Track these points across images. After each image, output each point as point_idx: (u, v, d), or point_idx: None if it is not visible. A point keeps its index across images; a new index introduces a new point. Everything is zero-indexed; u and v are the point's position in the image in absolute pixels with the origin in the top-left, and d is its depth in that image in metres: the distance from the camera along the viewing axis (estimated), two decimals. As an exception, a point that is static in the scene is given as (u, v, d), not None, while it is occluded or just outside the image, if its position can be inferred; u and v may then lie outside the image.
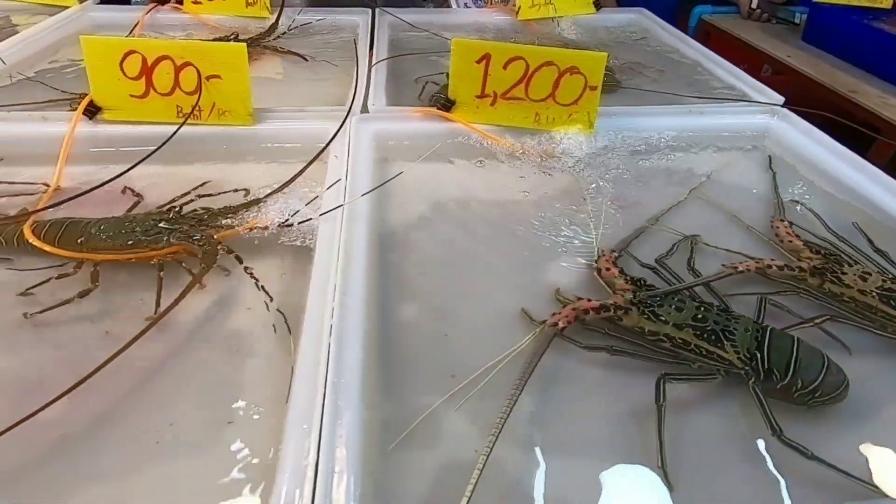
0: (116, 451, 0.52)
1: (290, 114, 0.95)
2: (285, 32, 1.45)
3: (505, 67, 0.91)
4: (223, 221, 0.76)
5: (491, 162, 0.94)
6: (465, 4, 1.63)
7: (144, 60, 0.87)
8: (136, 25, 1.42)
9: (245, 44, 0.88)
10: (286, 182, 0.79)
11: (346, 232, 0.71)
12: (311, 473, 0.45)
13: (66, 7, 1.51)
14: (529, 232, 0.80)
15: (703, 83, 1.26)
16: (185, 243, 0.70)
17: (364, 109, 0.99)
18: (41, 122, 0.90)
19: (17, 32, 1.44)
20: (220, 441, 0.52)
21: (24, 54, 1.22)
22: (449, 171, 0.93)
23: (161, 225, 0.72)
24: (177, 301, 0.61)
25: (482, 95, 0.94)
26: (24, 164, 0.88)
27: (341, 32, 1.53)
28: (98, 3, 1.54)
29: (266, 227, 0.75)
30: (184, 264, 0.70)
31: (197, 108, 0.90)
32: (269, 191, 0.81)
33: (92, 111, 0.90)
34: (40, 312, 0.63)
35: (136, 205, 0.81)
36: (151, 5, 1.48)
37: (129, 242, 0.69)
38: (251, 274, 0.70)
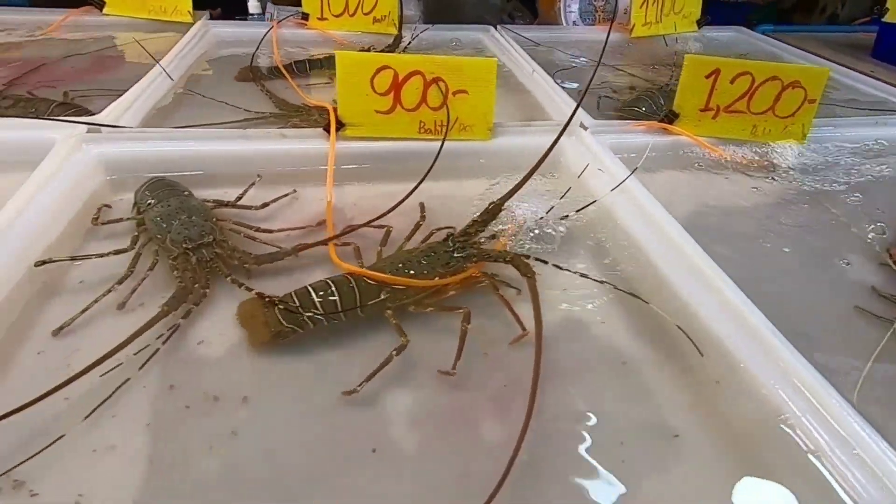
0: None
1: (519, 128, 0.95)
2: (406, 48, 1.44)
3: (732, 82, 0.94)
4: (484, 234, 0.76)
5: (719, 172, 0.97)
6: (574, 22, 1.67)
7: (396, 76, 0.86)
8: (261, 41, 1.38)
9: (495, 59, 0.87)
10: (514, 189, 0.76)
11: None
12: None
13: (183, 23, 1.47)
14: (801, 236, 0.84)
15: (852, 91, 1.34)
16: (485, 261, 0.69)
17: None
18: (280, 139, 0.87)
19: (114, 47, 1.40)
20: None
21: (178, 72, 1.17)
22: (681, 181, 0.95)
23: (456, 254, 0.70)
24: (538, 312, 0.60)
25: (706, 109, 0.97)
26: (264, 184, 0.86)
27: (464, 48, 1.54)
28: (209, 20, 1.50)
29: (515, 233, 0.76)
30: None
31: (440, 123, 0.90)
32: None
33: (328, 128, 0.87)
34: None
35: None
36: (275, 22, 1.45)
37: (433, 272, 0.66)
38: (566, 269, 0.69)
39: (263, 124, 1.03)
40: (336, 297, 0.60)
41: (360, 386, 0.55)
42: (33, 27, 1.44)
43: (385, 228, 0.75)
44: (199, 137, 0.85)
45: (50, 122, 0.87)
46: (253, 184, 0.82)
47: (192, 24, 1.45)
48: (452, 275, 0.67)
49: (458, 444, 0.53)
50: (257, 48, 1.36)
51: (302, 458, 0.50)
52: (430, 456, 0.51)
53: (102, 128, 0.84)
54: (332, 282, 0.62)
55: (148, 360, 0.56)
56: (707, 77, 0.94)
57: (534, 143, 0.94)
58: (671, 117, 0.97)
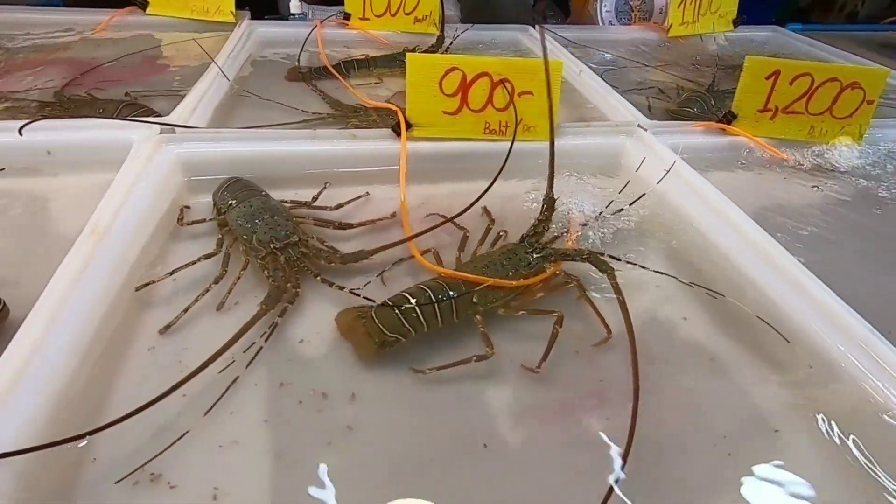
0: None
1: (580, 129, 0.96)
2: (448, 48, 1.45)
3: (791, 83, 0.95)
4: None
5: (777, 172, 0.98)
6: (609, 21, 1.68)
7: (464, 77, 0.87)
8: (305, 41, 1.39)
9: (561, 61, 0.89)
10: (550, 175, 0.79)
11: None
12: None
13: (225, 23, 1.48)
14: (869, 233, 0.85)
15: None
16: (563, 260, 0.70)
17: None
18: (351, 140, 0.88)
19: (158, 48, 1.41)
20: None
21: (230, 72, 1.18)
22: (740, 181, 0.96)
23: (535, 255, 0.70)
24: (625, 308, 0.61)
25: (764, 109, 0.98)
26: (334, 184, 0.87)
27: (501, 48, 1.55)
28: (251, 20, 1.51)
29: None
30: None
31: (504, 124, 0.91)
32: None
33: (398, 129, 0.89)
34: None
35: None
36: (318, 22, 1.45)
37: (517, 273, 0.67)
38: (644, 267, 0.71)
39: (322, 125, 1.05)
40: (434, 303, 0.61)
41: (429, 370, 0.57)
42: (77, 27, 1.46)
43: (463, 232, 0.76)
44: (271, 138, 0.87)
45: (122, 122, 0.88)
46: (326, 185, 0.84)
47: (235, 24, 1.47)
48: (534, 276, 0.68)
49: (564, 439, 0.54)
50: (302, 48, 1.37)
51: (417, 452, 0.52)
52: (539, 450, 0.53)
53: (176, 128, 0.85)
54: (427, 287, 0.62)
55: (254, 359, 0.58)
56: (767, 78, 0.95)
57: (594, 143, 0.96)
58: (729, 118, 0.98)
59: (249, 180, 0.80)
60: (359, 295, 0.65)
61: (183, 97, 1.06)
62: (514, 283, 0.65)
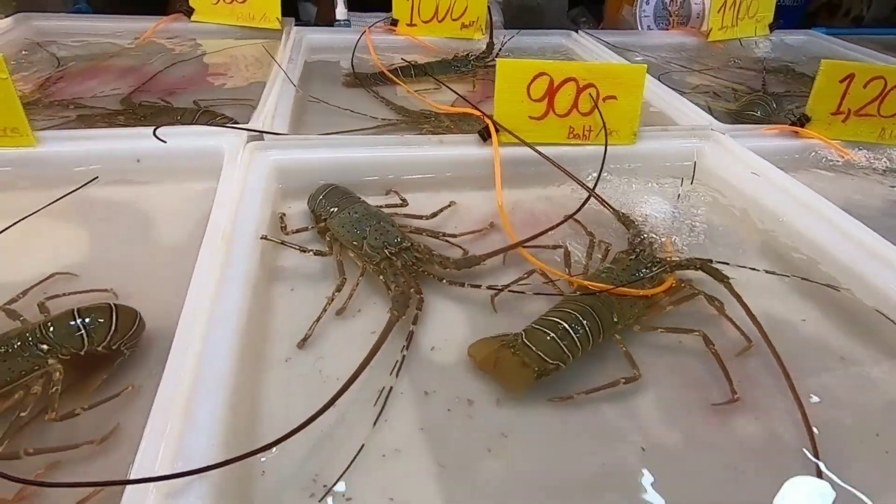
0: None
1: (658, 133, 0.97)
2: (498, 53, 1.45)
3: (865, 86, 0.96)
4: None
5: (851, 174, 0.99)
6: (648, 26, 1.69)
7: (551, 82, 0.87)
8: (355, 47, 1.38)
9: (645, 66, 0.89)
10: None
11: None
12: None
13: (271, 29, 1.48)
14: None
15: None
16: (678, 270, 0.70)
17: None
18: (438, 145, 0.88)
19: (202, 56, 1.40)
20: None
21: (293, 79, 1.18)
22: (815, 184, 0.96)
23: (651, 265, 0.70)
24: (751, 313, 0.62)
25: (837, 112, 0.99)
26: (418, 190, 0.87)
27: (549, 53, 1.55)
28: (297, 26, 1.51)
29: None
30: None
31: (588, 128, 0.91)
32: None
33: (486, 134, 0.89)
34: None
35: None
36: (367, 28, 1.45)
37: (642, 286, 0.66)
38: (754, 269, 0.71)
39: (393, 131, 1.05)
40: (584, 326, 0.58)
41: (576, 394, 0.56)
42: (122, 34, 1.45)
43: (563, 249, 0.74)
44: (359, 144, 0.87)
45: (209, 129, 0.87)
46: (451, 204, 0.83)
47: (280, 31, 1.47)
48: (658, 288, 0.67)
49: (720, 440, 0.54)
50: (353, 54, 1.36)
51: (575, 458, 0.52)
52: (698, 452, 0.53)
53: (265, 135, 0.85)
54: (573, 310, 0.60)
55: (397, 367, 0.57)
56: (841, 81, 0.96)
57: (673, 147, 0.97)
58: (803, 121, 0.99)
59: (345, 188, 0.80)
60: (501, 290, 0.65)
61: (251, 104, 1.07)
62: (650, 291, 0.64)
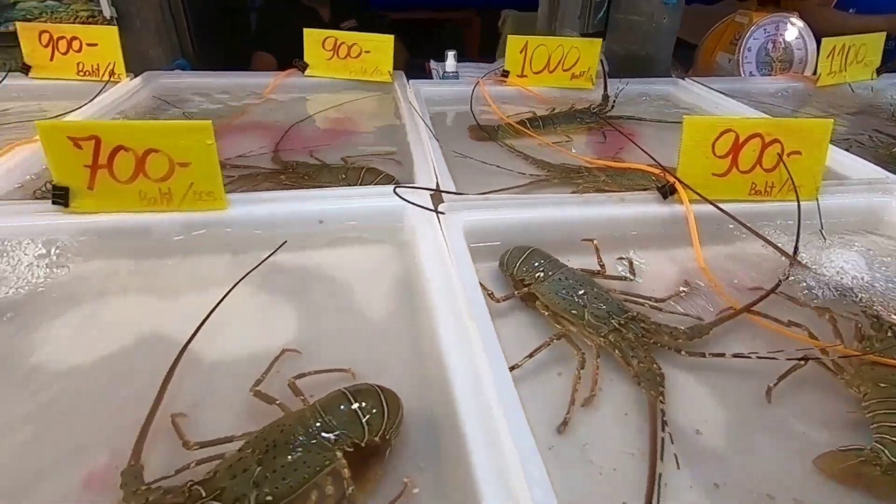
0: None
1: (836, 187, 0.93)
2: (614, 103, 1.43)
3: None
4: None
5: None
6: (751, 72, 1.68)
7: (737, 138, 0.84)
8: (471, 99, 1.39)
9: (832, 120, 0.86)
10: None
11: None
12: None
13: (382, 83, 1.50)
14: None
15: None
16: None
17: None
18: (619, 203, 0.85)
19: (327, 110, 1.42)
20: None
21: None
22: None
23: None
24: None
25: None
26: (602, 248, 0.83)
27: (657, 100, 1.54)
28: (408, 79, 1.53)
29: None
30: None
31: (770, 184, 0.88)
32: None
33: (668, 191, 0.86)
34: None
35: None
36: (480, 80, 1.46)
37: None
38: None
39: (547, 186, 1.03)
40: None
41: None
42: (239, 90, 1.48)
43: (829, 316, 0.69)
44: (540, 204, 0.84)
45: (383, 189, 0.85)
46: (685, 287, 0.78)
47: (391, 83, 1.49)
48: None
49: None
50: (471, 106, 1.35)
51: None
52: None
53: (444, 195, 0.83)
54: None
55: (663, 453, 0.52)
56: None
57: (852, 201, 0.92)
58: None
59: (541, 250, 0.77)
60: (749, 357, 0.61)
61: (393, 158, 1.06)
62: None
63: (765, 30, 1.66)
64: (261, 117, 1.35)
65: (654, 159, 0.90)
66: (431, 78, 1.81)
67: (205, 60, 2.23)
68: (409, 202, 0.80)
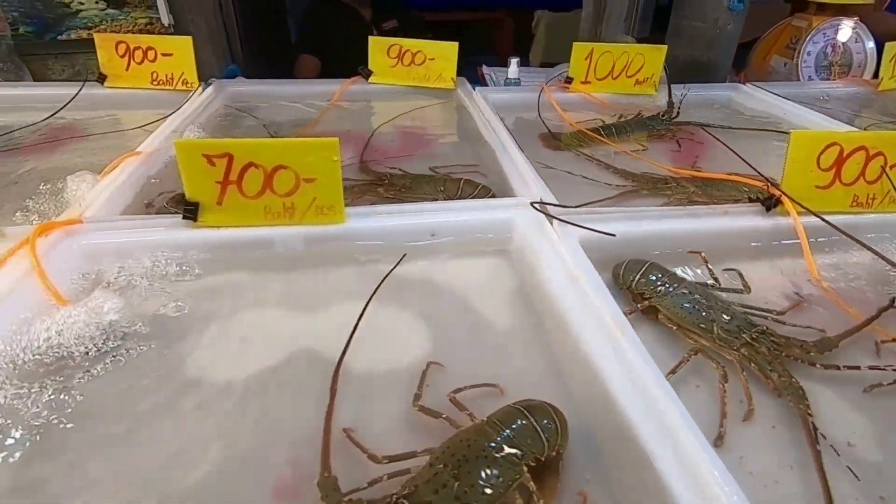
0: None
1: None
2: (679, 109, 1.44)
3: None
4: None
5: None
6: (810, 77, 1.68)
7: (841, 151, 0.85)
8: (538, 106, 1.40)
9: (935, 132, 0.87)
10: None
11: None
12: None
13: (445, 89, 1.51)
14: None
15: None
16: None
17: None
18: (723, 215, 0.86)
19: (396, 118, 1.43)
20: None
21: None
22: None
23: None
24: None
25: None
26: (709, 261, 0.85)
27: (718, 106, 1.55)
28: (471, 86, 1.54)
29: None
30: None
31: (871, 197, 0.89)
32: None
33: (771, 203, 0.87)
34: None
35: None
36: (545, 86, 1.48)
37: None
38: None
39: (635, 196, 1.04)
40: None
41: None
42: (305, 98, 1.50)
43: None
44: (647, 217, 0.85)
45: (491, 201, 0.88)
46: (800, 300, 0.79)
47: (453, 91, 1.50)
48: None
49: None
50: (539, 113, 1.37)
51: None
52: None
53: (548, 207, 0.85)
54: None
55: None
56: None
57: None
58: None
59: (659, 263, 0.78)
60: (885, 370, 0.62)
61: (475, 168, 1.08)
62: None
63: (824, 34, 1.66)
64: (332, 126, 1.37)
65: (759, 171, 0.91)
66: (481, 82, 1.83)
67: (252, 64, 2.26)
68: (550, 216, 0.83)
